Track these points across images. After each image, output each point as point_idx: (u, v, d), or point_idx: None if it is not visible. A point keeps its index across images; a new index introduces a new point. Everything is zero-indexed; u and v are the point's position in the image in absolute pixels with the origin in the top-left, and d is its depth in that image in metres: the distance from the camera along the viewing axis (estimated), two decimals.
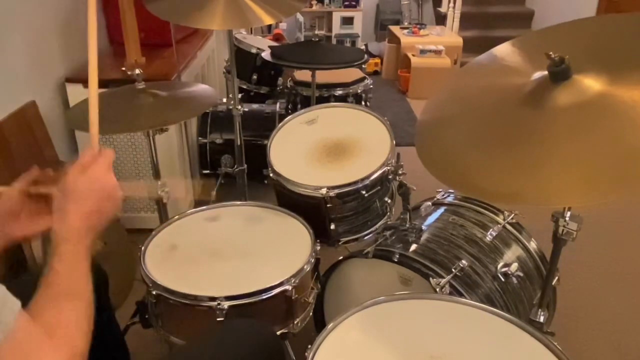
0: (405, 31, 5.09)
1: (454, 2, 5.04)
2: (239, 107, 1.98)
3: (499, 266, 1.35)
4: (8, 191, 0.87)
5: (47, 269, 0.73)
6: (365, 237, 1.62)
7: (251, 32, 4.17)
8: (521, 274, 1.37)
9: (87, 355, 0.71)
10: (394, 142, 1.59)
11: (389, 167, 1.53)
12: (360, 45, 5.68)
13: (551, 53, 0.90)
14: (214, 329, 1.12)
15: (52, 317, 0.69)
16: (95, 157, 0.82)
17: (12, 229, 0.86)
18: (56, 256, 0.74)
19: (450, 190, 1.63)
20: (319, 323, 1.52)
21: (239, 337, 1.02)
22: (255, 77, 3.00)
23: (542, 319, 1.20)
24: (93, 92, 0.86)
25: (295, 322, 1.28)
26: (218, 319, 1.14)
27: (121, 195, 0.83)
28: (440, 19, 5.51)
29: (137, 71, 1.51)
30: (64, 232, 0.75)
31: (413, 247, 1.36)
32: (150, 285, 1.21)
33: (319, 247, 1.34)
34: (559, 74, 0.92)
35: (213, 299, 1.14)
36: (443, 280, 1.22)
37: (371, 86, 2.92)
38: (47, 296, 0.71)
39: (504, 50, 1.14)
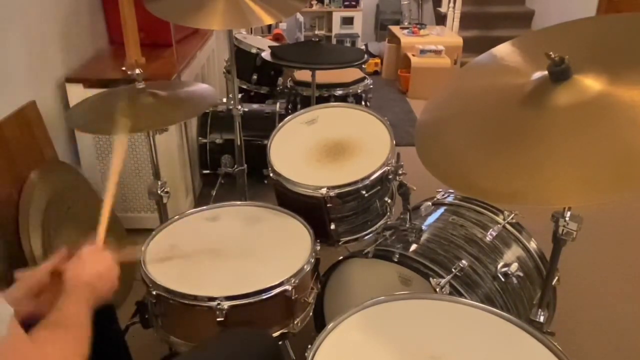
0: (405, 31, 5.09)
1: (454, 2, 5.04)
2: (239, 107, 1.98)
3: (499, 266, 1.35)
4: (33, 272, 0.96)
5: (49, 316, 0.81)
6: (365, 237, 1.61)
7: (251, 32, 4.18)
8: (521, 274, 1.37)
9: None
10: (394, 142, 1.59)
11: (389, 167, 1.53)
12: (360, 45, 5.69)
13: (551, 53, 0.90)
14: (212, 337, 1.12)
15: (46, 336, 0.75)
16: (100, 246, 1.00)
17: (39, 306, 0.92)
18: (62, 297, 0.85)
19: (450, 190, 1.63)
20: (319, 323, 1.52)
21: (238, 345, 1.03)
22: (255, 77, 3.00)
23: (542, 319, 1.20)
24: (109, 199, 1.07)
25: (295, 322, 1.28)
26: (218, 319, 1.14)
27: (117, 282, 0.96)
28: (440, 19, 5.51)
29: (137, 71, 1.51)
30: (73, 283, 0.89)
31: (413, 247, 1.36)
32: (150, 285, 1.21)
33: (319, 247, 1.34)
34: (559, 74, 0.92)
35: (213, 299, 1.14)
36: (443, 280, 1.22)
37: (371, 86, 2.92)
38: (47, 323, 0.78)
39: (504, 50, 1.14)
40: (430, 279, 1.23)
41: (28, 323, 0.77)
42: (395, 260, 1.28)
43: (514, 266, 1.35)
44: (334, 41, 5.60)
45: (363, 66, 2.95)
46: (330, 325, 0.99)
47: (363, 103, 2.87)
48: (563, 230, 1.05)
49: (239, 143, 2.06)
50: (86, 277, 0.90)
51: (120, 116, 1.24)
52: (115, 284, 0.97)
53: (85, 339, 0.81)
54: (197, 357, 1.04)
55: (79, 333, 0.81)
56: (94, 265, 0.93)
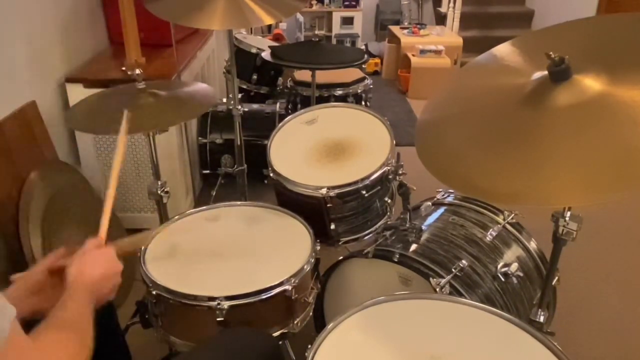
0: (405, 31, 5.09)
1: (454, 2, 5.04)
2: (239, 107, 1.98)
3: (499, 266, 1.35)
4: (32, 271, 0.95)
5: (50, 315, 0.80)
6: (365, 237, 1.62)
7: (251, 32, 4.18)
8: (521, 274, 1.37)
9: None
10: (394, 142, 1.59)
11: (389, 167, 1.53)
12: (360, 45, 5.69)
13: (551, 53, 0.90)
14: (213, 337, 1.12)
15: (47, 338, 0.74)
16: (102, 242, 0.98)
17: (39, 303, 0.92)
18: (63, 298, 0.84)
19: (450, 190, 1.63)
20: (319, 323, 1.52)
21: (239, 345, 1.03)
22: (255, 77, 3.00)
23: (542, 319, 1.20)
24: (110, 196, 1.05)
25: (295, 322, 1.28)
26: (218, 319, 1.14)
27: (120, 280, 0.96)
28: (440, 19, 5.51)
29: (137, 71, 1.51)
30: (74, 284, 0.87)
31: (413, 247, 1.36)
32: (150, 285, 1.21)
33: (319, 247, 1.34)
34: (559, 74, 0.92)
35: (213, 299, 1.14)
36: (443, 280, 1.22)
37: (371, 86, 2.92)
38: (48, 324, 0.77)
39: (504, 50, 1.14)
40: (430, 279, 1.23)
41: (28, 322, 0.77)
42: (395, 260, 1.28)
43: (514, 266, 1.35)
44: (334, 41, 5.60)
45: (363, 66, 2.95)
46: (330, 325, 0.99)
47: (363, 103, 2.87)
48: (563, 230, 1.05)
49: (239, 143, 2.06)
50: (89, 278, 0.89)
51: (127, 115, 1.22)
52: (118, 283, 0.95)
53: (88, 340, 0.81)
54: (197, 357, 1.04)
55: (81, 334, 0.80)
56: (97, 264, 0.92)
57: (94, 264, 0.91)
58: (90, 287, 0.88)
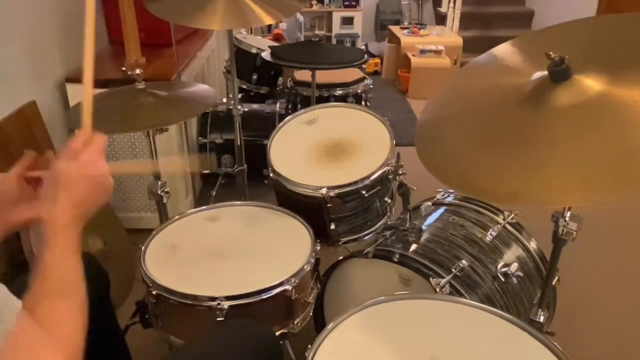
0: (405, 31, 5.09)
1: (454, 2, 5.04)
2: (239, 107, 1.98)
3: (499, 266, 1.35)
4: (4, 177, 0.85)
5: (38, 262, 0.72)
6: (365, 237, 1.61)
7: (251, 32, 4.18)
8: (521, 274, 1.37)
9: (83, 349, 0.70)
10: (394, 142, 1.59)
11: (389, 167, 1.53)
12: (360, 45, 5.69)
13: (551, 53, 0.90)
14: (212, 329, 1.12)
15: (48, 316, 0.68)
16: (88, 142, 0.81)
17: (10, 215, 0.84)
18: (47, 249, 0.72)
19: (450, 190, 1.63)
20: (319, 323, 1.52)
21: (238, 337, 1.02)
22: (255, 77, 3.00)
23: (542, 319, 1.20)
24: (88, 77, 0.86)
25: (295, 322, 1.28)
26: (218, 319, 1.14)
27: (112, 183, 0.81)
28: (440, 19, 5.51)
29: (137, 71, 1.51)
30: (54, 222, 0.73)
31: (413, 247, 1.36)
32: (150, 285, 1.21)
33: (319, 247, 1.34)
34: (559, 74, 0.92)
35: (213, 299, 1.14)
36: (443, 280, 1.22)
37: (371, 86, 2.92)
38: (40, 293, 0.70)
39: (504, 50, 1.14)
40: (430, 279, 1.23)
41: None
42: (395, 260, 1.28)
43: (514, 266, 1.35)
44: (334, 41, 5.60)
45: (363, 66, 2.96)
46: (330, 325, 0.99)
47: (363, 103, 2.87)
48: (563, 230, 1.05)
49: (239, 143, 2.06)
50: (66, 207, 0.74)
51: None
52: (109, 190, 0.80)
53: (82, 297, 0.72)
54: (196, 347, 1.03)
55: (74, 295, 0.72)
56: (77, 185, 0.76)
57: (72, 186, 0.76)
58: (71, 216, 0.74)
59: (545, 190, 0.84)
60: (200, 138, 2.66)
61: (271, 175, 1.58)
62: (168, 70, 2.26)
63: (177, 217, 1.47)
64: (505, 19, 5.47)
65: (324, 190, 1.45)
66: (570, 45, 1.01)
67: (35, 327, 0.66)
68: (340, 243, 1.59)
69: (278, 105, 2.79)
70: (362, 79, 2.89)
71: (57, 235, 0.73)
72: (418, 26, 5.12)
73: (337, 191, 1.46)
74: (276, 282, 1.19)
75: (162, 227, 1.43)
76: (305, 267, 1.26)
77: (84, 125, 0.84)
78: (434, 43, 4.66)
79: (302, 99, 2.86)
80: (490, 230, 1.45)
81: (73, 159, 0.78)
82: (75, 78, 2.10)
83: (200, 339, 1.06)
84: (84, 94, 0.86)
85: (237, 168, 2.13)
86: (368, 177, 1.48)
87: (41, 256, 0.72)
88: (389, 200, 1.63)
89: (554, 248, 1.10)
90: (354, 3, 5.57)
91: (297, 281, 1.22)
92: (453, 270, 1.27)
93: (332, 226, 1.53)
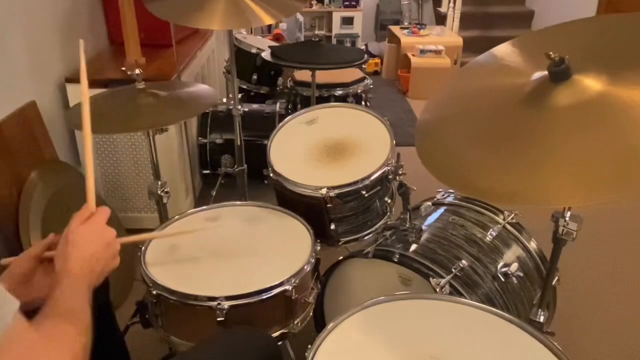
0: (405, 31, 5.09)
1: (454, 2, 5.03)
2: (239, 107, 1.98)
3: (499, 266, 1.35)
4: (18, 260, 0.92)
5: (47, 300, 0.76)
6: (365, 237, 1.62)
7: (251, 32, 4.18)
8: (521, 274, 1.37)
9: None
10: (394, 142, 1.59)
11: (389, 167, 1.53)
12: (360, 45, 5.68)
13: (551, 53, 0.90)
14: (211, 337, 1.12)
15: (49, 328, 0.72)
16: (93, 212, 0.90)
17: (25, 293, 0.88)
18: (58, 289, 0.78)
19: (450, 190, 1.63)
20: (319, 323, 1.52)
21: (238, 345, 1.03)
22: (255, 77, 3.00)
23: (542, 319, 1.20)
24: (89, 159, 0.95)
25: (295, 322, 1.28)
26: (218, 319, 1.14)
27: (119, 246, 0.90)
28: (440, 19, 5.51)
29: (137, 71, 1.51)
30: (66, 272, 0.81)
31: (413, 247, 1.36)
32: (150, 285, 1.21)
33: (319, 247, 1.34)
34: (559, 74, 0.92)
35: (213, 298, 1.14)
36: (443, 280, 1.22)
37: (371, 86, 2.92)
38: (47, 314, 0.74)
39: (504, 50, 1.14)
40: (430, 279, 1.23)
41: (23, 312, 0.76)
42: (395, 260, 1.28)
43: (514, 266, 1.35)
44: (334, 41, 5.60)
45: (363, 66, 2.95)
46: (330, 325, 0.99)
47: (363, 103, 2.87)
48: (563, 230, 1.05)
49: (239, 143, 2.06)
50: (76, 261, 0.81)
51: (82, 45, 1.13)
52: (116, 250, 0.89)
53: (87, 327, 0.77)
54: (196, 357, 1.04)
55: (79, 323, 0.76)
56: (83, 243, 0.83)
57: (81, 244, 0.83)
58: (81, 270, 0.81)
59: (545, 190, 0.84)
60: (200, 138, 2.66)
61: (271, 175, 1.58)
62: (168, 70, 2.26)
63: (177, 217, 1.47)
64: (505, 19, 5.47)
65: (324, 190, 1.45)
66: (570, 45, 1.01)
67: (30, 330, 0.67)
68: (340, 243, 1.59)
69: (278, 105, 2.79)
70: (362, 79, 2.89)
71: (68, 279, 0.80)
72: (418, 26, 5.12)
73: (337, 191, 1.46)
74: (276, 282, 1.19)
75: (162, 227, 1.43)
76: (305, 267, 1.26)
77: (88, 201, 0.92)
78: (434, 43, 4.66)
79: (302, 99, 2.86)
80: (490, 230, 1.45)
81: (82, 223, 0.87)
82: (75, 78, 2.10)
83: (199, 347, 1.06)
84: (87, 173, 0.95)
85: (237, 168, 2.13)
86: (368, 177, 1.48)
87: (50, 296, 0.77)
88: (389, 200, 1.63)
89: (554, 248, 1.10)
90: (354, 3, 5.56)
91: (297, 281, 1.22)
92: (453, 270, 1.27)
93: (332, 226, 1.53)
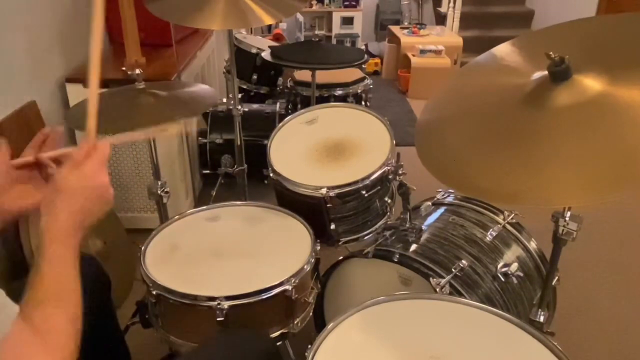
0: (405, 31, 5.09)
1: (454, 2, 5.04)
2: (239, 107, 1.98)
3: (499, 266, 1.35)
4: None
5: (35, 268, 0.72)
6: (365, 237, 1.61)
7: (251, 32, 4.18)
8: (521, 274, 1.37)
9: (75, 357, 0.70)
10: (394, 142, 1.59)
11: (389, 167, 1.53)
12: (360, 45, 5.69)
13: (551, 53, 0.90)
14: (211, 338, 1.12)
15: (43, 323, 0.69)
16: (90, 152, 0.81)
17: (3, 202, 0.84)
18: (44, 257, 0.72)
19: (450, 190, 1.63)
20: (319, 323, 1.52)
21: (237, 346, 1.03)
22: (255, 77, 3.00)
23: (542, 319, 1.20)
24: (94, 87, 0.84)
25: (295, 322, 1.28)
26: (218, 319, 1.14)
27: (112, 194, 0.82)
28: (440, 19, 5.51)
29: (137, 71, 1.51)
30: (53, 231, 0.74)
31: (413, 247, 1.36)
32: (150, 285, 1.21)
33: (319, 247, 1.34)
34: (559, 74, 0.92)
35: (213, 298, 1.14)
36: (443, 280, 1.22)
37: (371, 86, 2.92)
38: (36, 300, 0.70)
39: (504, 50, 1.14)
40: (430, 279, 1.23)
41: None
42: (395, 260, 1.28)
43: (514, 266, 1.35)
44: (334, 41, 5.60)
45: (363, 66, 2.95)
46: (330, 325, 0.99)
47: (363, 103, 2.87)
48: (563, 230, 1.05)
49: (239, 143, 2.06)
50: (64, 216, 0.75)
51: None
52: (109, 200, 0.81)
53: (77, 308, 0.73)
54: (196, 358, 1.04)
55: (69, 306, 0.72)
56: (75, 194, 0.76)
57: (70, 194, 0.76)
58: (70, 225, 0.75)
59: (545, 190, 0.84)
60: (200, 138, 2.65)
61: (271, 175, 1.57)
62: (168, 70, 2.26)
63: (177, 217, 1.47)
64: (505, 19, 5.47)
65: (324, 190, 1.45)
66: (570, 45, 1.01)
67: (29, 333, 0.66)
68: (340, 243, 1.59)
69: (278, 105, 2.79)
70: (362, 79, 2.89)
71: (55, 243, 0.73)
72: (418, 26, 5.12)
73: (337, 191, 1.46)
74: (276, 282, 1.19)
75: (162, 227, 1.43)
76: (305, 267, 1.26)
77: (88, 133, 0.83)
78: (434, 43, 4.66)
79: (302, 99, 2.86)
80: (490, 230, 1.45)
81: (74, 169, 0.78)
82: (75, 78, 2.10)
83: (199, 350, 1.06)
84: (89, 100, 0.84)
85: (237, 168, 2.13)
86: (368, 177, 1.48)
87: (38, 264, 0.72)
88: (389, 200, 1.63)
89: (554, 248, 1.10)
90: (354, 3, 5.56)
91: (297, 281, 1.22)
92: (453, 270, 1.27)
93: (332, 226, 1.53)
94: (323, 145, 1.63)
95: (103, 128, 1.42)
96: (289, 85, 2.93)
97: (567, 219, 1.04)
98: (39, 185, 0.88)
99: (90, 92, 0.84)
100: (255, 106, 2.82)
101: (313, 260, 1.30)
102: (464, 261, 1.29)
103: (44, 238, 0.73)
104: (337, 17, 5.60)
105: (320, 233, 1.42)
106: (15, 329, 0.64)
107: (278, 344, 1.27)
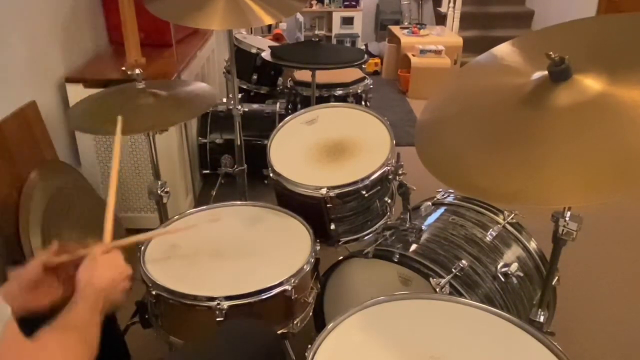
0: (405, 31, 5.09)
1: (454, 2, 5.03)
2: (239, 107, 1.98)
3: (499, 266, 1.35)
4: (26, 270, 0.94)
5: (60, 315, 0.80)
6: (365, 237, 1.61)
7: (251, 32, 4.18)
8: (521, 274, 1.37)
9: None
10: (394, 142, 1.59)
11: (389, 167, 1.53)
12: (360, 45, 5.68)
13: (551, 53, 0.90)
14: (214, 329, 1.12)
15: (47, 337, 0.74)
16: (109, 248, 0.98)
17: (32, 299, 0.92)
18: (73, 307, 0.84)
19: (450, 190, 1.63)
20: (319, 323, 1.52)
21: (240, 337, 1.03)
22: (255, 77, 3.00)
23: (542, 319, 1.20)
24: (112, 198, 1.06)
25: (295, 322, 1.28)
26: (217, 319, 1.14)
27: (130, 283, 0.97)
28: (440, 19, 5.51)
29: (137, 71, 1.51)
30: (83, 293, 0.87)
31: (413, 247, 1.36)
32: (150, 285, 1.21)
33: (319, 247, 1.34)
34: (559, 74, 0.92)
35: (212, 299, 1.14)
36: (443, 280, 1.22)
37: (371, 86, 2.92)
38: (55, 325, 0.78)
39: (504, 50, 1.14)
40: (430, 279, 1.23)
41: (27, 318, 0.76)
42: (395, 260, 1.28)
43: (514, 266, 1.35)
44: (334, 41, 5.59)
45: (363, 66, 2.95)
46: (330, 325, 0.99)
47: (363, 103, 2.87)
48: (563, 230, 1.05)
49: (239, 143, 2.06)
50: (98, 283, 0.89)
51: (119, 116, 1.24)
52: (127, 286, 0.96)
53: (93, 343, 0.81)
54: (198, 348, 1.04)
55: (85, 336, 0.81)
56: (105, 270, 0.92)
57: (103, 270, 0.92)
58: (100, 293, 0.88)
59: (545, 190, 0.84)
60: (200, 138, 2.66)
61: (271, 175, 1.57)
62: (168, 70, 2.26)
63: (177, 217, 1.47)
64: (505, 19, 5.47)
65: (324, 190, 1.45)
66: (570, 45, 1.01)
67: (19, 336, 0.68)
68: (340, 243, 1.59)
69: (278, 105, 2.79)
70: (362, 79, 2.89)
71: (84, 304, 0.85)
72: (418, 26, 5.12)
73: (337, 191, 1.46)
74: (276, 282, 1.19)
75: (162, 227, 1.43)
76: (305, 267, 1.26)
77: (105, 238, 1.01)
78: (434, 43, 4.66)
79: (302, 99, 2.86)
80: (490, 230, 1.45)
81: (104, 253, 0.96)
82: (75, 78, 2.10)
83: (201, 340, 1.07)
84: (108, 208, 1.05)
85: (237, 168, 2.13)
86: (368, 177, 1.48)
87: (66, 310, 0.82)
88: (389, 200, 1.63)
89: (554, 248, 1.10)
90: (354, 3, 5.56)
91: (297, 281, 1.22)
92: (453, 270, 1.27)
93: (332, 226, 1.53)
94: (323, 145, 1.63)
95: (103, 128, 1.42)
96: (289, 85, 2.93)
97: (567, 219, 1.04)
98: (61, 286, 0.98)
99: (108, 207, 1.05)
100: (255, 106, 2.82)
101: (313, 260, 1.30)
102: (464, 261, 1.29)
103: (76, 298, 0.87)
104: (337, 17, 5.60)
105: (320, 233, 1.42)
106: (8, 330, 0.66)
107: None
